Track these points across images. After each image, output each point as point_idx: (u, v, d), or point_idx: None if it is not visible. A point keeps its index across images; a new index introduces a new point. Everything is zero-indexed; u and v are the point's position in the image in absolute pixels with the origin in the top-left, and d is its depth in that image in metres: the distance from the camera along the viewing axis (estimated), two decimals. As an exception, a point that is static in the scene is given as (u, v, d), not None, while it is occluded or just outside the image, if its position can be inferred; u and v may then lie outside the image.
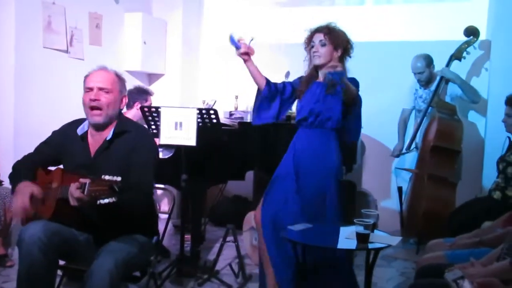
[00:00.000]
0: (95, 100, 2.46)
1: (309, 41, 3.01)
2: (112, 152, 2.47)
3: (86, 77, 2.56)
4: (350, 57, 3.02)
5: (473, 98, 4.46)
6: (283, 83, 3.13)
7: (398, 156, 4.87)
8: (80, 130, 2.54)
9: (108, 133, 2.50)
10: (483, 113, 4.69)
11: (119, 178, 2.10)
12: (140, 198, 2.39)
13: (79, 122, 2.61)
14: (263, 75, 3.04)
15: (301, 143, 3.00)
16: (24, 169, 2.51)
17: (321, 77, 2.98)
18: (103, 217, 2.36)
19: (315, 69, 3.02)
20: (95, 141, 2.53)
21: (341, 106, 2.88)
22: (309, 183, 2.92)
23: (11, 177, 2.53)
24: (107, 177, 2.10)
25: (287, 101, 3.09)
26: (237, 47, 2.97)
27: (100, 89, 2.49)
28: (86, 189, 2.12)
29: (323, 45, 2.94)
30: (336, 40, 2.94)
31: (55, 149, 2.59)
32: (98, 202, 2.09)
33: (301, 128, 3.04)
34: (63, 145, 2.57)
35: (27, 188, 2.35)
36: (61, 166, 2.58)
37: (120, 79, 2.58)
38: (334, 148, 2.98)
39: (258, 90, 3.05)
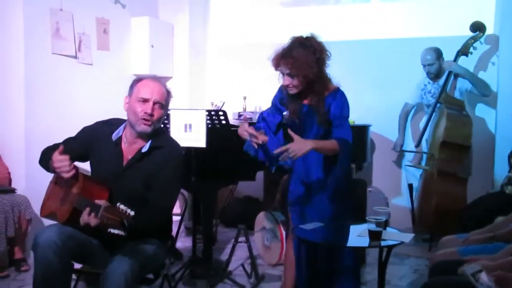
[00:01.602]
0: (151, 115, 2.44)
1: (276, 66, 2.70)
2: (143, 164, 2.46)
3: (137, 83, 2.51)
4: (326, 65, 2.72)
5: (484, 91, 4.44)
6: (265, 123, 2.88)
7: (400, 151, 4.86)
8: (115, 135, 2.52)
9: (143, 144, 2.49)
10: (493, 107, 4.66)
11: (132, 212, 2.11)
12: (156, 218, 2.41)
13: (112, 124, 2.57)
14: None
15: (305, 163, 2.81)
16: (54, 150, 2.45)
17: (305, 98, 2.76)
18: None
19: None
20: (129, 149, 2.51)
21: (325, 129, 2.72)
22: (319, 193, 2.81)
23: (41, 159, 2.50)
24: (121, 207, 2.11)
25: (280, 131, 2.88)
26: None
27: (156, 103, 2.46)
28: (100, 212, 2.13)
29: (292, 77, 2.65)
30: (304, 71, 2.61)
31: (83, 147, 2.55)
32: (108, 230, 2.12)
33: None
34: (92, 144, 2.54)
35: (64, 158, 2.32)
36: (85, 164, 2.58)
37: (169, 95, 2.56)
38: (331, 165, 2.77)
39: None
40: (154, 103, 2.46)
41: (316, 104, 2.70)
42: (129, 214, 2.11)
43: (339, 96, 2.71)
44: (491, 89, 4.50)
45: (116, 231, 2.11)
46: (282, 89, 2.82)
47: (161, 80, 2.57)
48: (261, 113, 2.97)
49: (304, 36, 2.71)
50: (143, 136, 2.49)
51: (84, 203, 2.24)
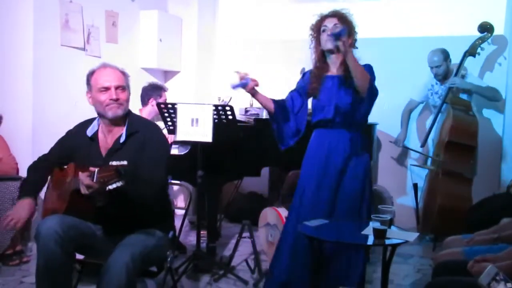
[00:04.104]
0: (117, 99, 2.46)
1: (319, 27, 2.87)
2: (124, 151, 2.49)
3: (91, 76, 2.53)
4: (356, 47, 2.89)
5: (493, 98, 4.42)
6: (290, 96, 2.96)
7: (402, 146, 4.84)
8: (90, 131, 2.56)
9: (120, 131, 2.52)
10: (501, 108, 4.64)
11: (125, 162, 2.13)
12: (151, 191, 2.41)
13: (90, 121, 2.62)
14: (269, 98, 2.90)
15: (328, 145, 2.86)
16: (33, 181, 2.56)
17: (333, 69, 2.87)
18: (115, 205, 2.35)
19: (323, 59, 2.89)
20: (107, 140, 2.54)
21: (355, 97, 2.79)
22: (347, 186, 2.83)
23: (23, 183, 2.61)
24: (114, 163, 2.14)
25: (301, 112, 2.94)
26: (245, 85, 2.75)
27: (117, 87, 2.49)
28: (95, 177, 2.16)
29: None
30: (350, 26, 2.83)
31: (66, 152, 2.61)
32: (107, 188, 2.13)
33: (324, 129, 2.89)
34: (73, 147, 2.59)
35: (25, 211, 2.42)
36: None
37: (125, 75, 2.57)
38: (363, 146, 2.90)
39: (270, 114, 2.93)
40: (116, 88, 2.48)
41: (344, 71, 2.80)
42: (121, 163, 2.13)
43: (367, 65, 2.85)
44: (500, 94, 4.45)
45: (114, 185, 2.12)
46: (311, 72, 2.95)
47: (112, 65, 2.58)
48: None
49: None
50: (117, 121, 2.51)
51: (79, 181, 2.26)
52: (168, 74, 5.61)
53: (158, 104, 3.61)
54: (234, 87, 2.74)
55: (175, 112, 3.35)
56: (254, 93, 2.82)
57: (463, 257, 2.45)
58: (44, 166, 2.62)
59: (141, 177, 2.36)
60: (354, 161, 2.85)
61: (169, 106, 3.52)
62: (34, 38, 4.00)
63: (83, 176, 2.19)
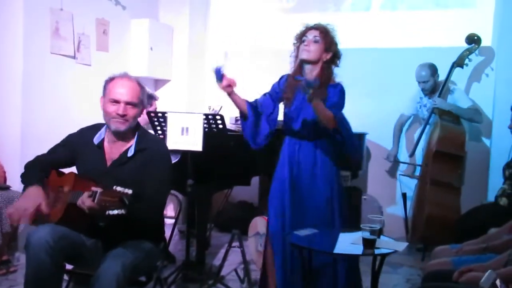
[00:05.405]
0: (123, 115, 2.44)
1: (301, 37, 2.91)
2: (129, 165, 2.47)
3: (109, 83, 2.50)
4: (337, 66, 2.93)
5: (473, 120, 4.45)
6: (262, 98, 3.02)
7: (393, 161, 4.87)
8: (96, 139, 2.53)
9: (127, 145, 2.50)
10: (488, 119, 4.68)
11: (130, 191, 2.12)
12: (150, 213, 2.41)
13: (95, 128, 2.59)
14: (244, 100, 2.96)
15: (298, 154, 2.91)
16: (38, 170, 2.50)
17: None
18: (111, 226, 2.36)
19: (301, 69, 2.91)
20: (112, 150, 2.52)
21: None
22: (312, 194, 2.88)
23: (23, 175, 2.51)
24: (118, 188, 2.12)
25: (272, 115, 2.98)
26: (220, 79, 2.86)
27: (127, 103, 2.46)
28: (96, 198, 2.14)
29: (316, 41, 2.85)
30: (330, 41, 2.86)
31: (69, 153, 2.58)
32: (107, 212, 2.11)
33: (294, 138, 2.95)
34: (77, 150, 2.56)
35: (36, 198, 2.34)
36: (74, 169, 2.58)
37: (142, 89, 2.54)
38: (331, 157, 2.91)
39: (243, 116, 2.97)
40: (126, 104, 2.46)
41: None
42: (127, 192, 2.11)
43: (340, 87, 2.86)
44: (481, 115, 4.47)
45: (115, 212, 2.10)
46: (287, 77, 2.97)
47: (132, 77, 2.55)
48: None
49: None
50: (123, 135, 2.50)
51: (78, 195, 2.24)
52: (159, 83, 5.61)
53: (148, 113, 3.60)
54: (217, 72, 2.89)
55: (165, 121, 3.35)
56: (230, 92, 2.90)
57: (452, 267, 2.46)
58: (46, 162, 2.56)
59: (143, 197, 2.35)
60: (322, 171, 2.87)
61: (159, 115, 3.52)
62: (24, 46, 3.98)
63: (85, 196, 2.18)
